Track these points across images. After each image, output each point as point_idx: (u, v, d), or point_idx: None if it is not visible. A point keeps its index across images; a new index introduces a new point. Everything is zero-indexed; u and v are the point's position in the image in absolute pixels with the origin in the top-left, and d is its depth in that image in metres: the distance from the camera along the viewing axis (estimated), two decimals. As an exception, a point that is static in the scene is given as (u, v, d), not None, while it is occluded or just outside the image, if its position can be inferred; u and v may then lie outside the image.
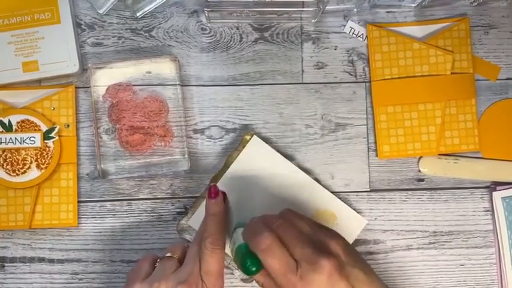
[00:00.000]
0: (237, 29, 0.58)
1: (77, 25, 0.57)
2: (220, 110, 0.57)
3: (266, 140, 0.56)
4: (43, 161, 0.55)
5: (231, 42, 0.58)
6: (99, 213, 0.56)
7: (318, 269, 0.42)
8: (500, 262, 0.57)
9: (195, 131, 0.57)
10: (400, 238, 0.57)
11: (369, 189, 0.58)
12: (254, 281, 0.55)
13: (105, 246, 0.56)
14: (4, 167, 0.55)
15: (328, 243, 0.45)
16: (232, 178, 0.55)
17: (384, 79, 0.58)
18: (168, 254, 0.49)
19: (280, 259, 0.43)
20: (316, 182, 0.56)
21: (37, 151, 0.55)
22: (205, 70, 0.58)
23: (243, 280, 0.55)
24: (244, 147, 0.56)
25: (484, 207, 0.58)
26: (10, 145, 0.55)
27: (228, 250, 0.51)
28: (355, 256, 0.45)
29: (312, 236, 0.46)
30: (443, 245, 0.57)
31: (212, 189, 0.51)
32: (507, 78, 0.59)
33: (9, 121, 0.55)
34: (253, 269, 0.44)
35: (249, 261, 0.45)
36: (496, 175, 0.58)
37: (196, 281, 0.46)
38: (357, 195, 0.57)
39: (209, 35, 0.58)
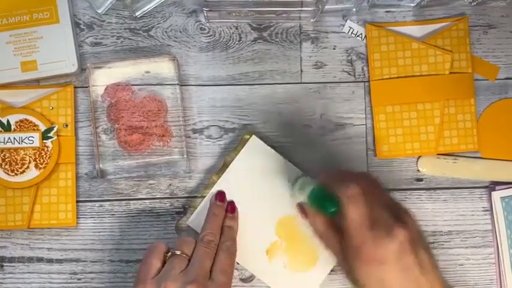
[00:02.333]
0: (236, 28, 0.58)
1: (76, 25, 0.57)
2: (219, 110, 0.57)
3: (265, 139, 0.56)
4: (42, 160, 0.55)
5: (230, 42, 0.58)
6: (97, 213, 0.56)
7: (392, 234, 0.43)
8: (499, 262, 0.57)
9: (194, 131, 0.57)
10: (399, 238, 0.57)
11: (367, 189, 0.58)
12: (253, 281, 0.55)
13: (103, 246, 0.56)
14: (3, 166, 0.55)
15: (404, 216, 0.45)
16: (231, 178, 0.55)
17: (383, 79, 0.58)
18: (178, 252, 0.49)
19: (361, 212, 0.45)
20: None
21: (36, 151, 0.55)
22: (204, 70, 0.58)
23: (242, 280, 0.55)
24: (243, 147, 0.56)
25: (483, 207, 0.58)
26: (9, 145, 0.55)
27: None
28: (425, 238, 0.46)
29: (390, 204, 0.47)
30: (442, 244, 0.57)
31: (230, 205, 0.55)
32: (506, 78, 0.59)
33: (8, 121, 0.55)
34: (333, 209, 0.46)
35: (327, 203, 0.47)
36: (495, 175, 0.58)
37: (204, 281, 0.47)
38: (355, 195, 0.57)
39: (208, 34, 0.58)
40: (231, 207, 0.54)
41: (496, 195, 0.57)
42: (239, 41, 0.58)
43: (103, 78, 0.56)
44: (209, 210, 0.54)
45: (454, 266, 0.57)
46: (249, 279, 0.55)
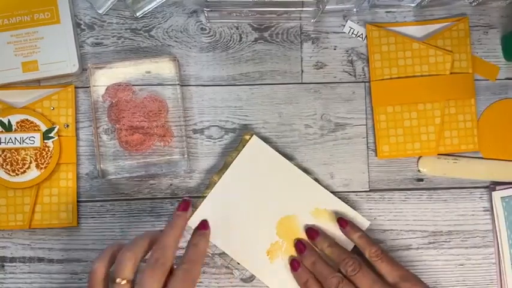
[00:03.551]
0: (237, 28, 0.58)
1: (77, 25, 0.57)
2: (220, 110, 0.57)
3: (265, 140, 0.56)
4: (43, 161, 0.55)
5: (231, 42, 0.58)
6: (98, 213, 0.56)
7: None
8: (499, 262, 0.57)
9: (195, 131, 0.57)
10: (399, 238, 0.57)
11: (368, 189, 0.58)
12: (254, 281, 0.55)
13: (104, 246, 0.56)
14: (4, 166, 0.55)
15: None
16: (232, 178, 0.55)
17: (383, 79, 0.58)
18: (117, 280, 0.42)
19: None
20: (315, 182, 0.56)
21: (37, 151, 0.55)
22: (205, 70, 0.58)
23: (243, 280, 0.55)
24: (243, 147, 0.56)
25: (483, 207, 0.58)
26: (10, 145, 0.55)
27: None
28: None
29: None
30: (442, 244, 0.57)
31: (202, 222, 0.50)
32: (506, 78, 0.59)
33: (9, 121, 0.55)
34: None
35: None
36: (495, 175, 0.58)
37: None
38: (356, 195, 0.57)
39: (209, 35, 0.58)
40: (203, 224, 0.50)
41: (497, 195, 0.57)
42: (240, 41, 0.58)
43: (104, 78, 0.56)
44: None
45: (454, 266, 0.57)
46: (249, 279, 0.55)
